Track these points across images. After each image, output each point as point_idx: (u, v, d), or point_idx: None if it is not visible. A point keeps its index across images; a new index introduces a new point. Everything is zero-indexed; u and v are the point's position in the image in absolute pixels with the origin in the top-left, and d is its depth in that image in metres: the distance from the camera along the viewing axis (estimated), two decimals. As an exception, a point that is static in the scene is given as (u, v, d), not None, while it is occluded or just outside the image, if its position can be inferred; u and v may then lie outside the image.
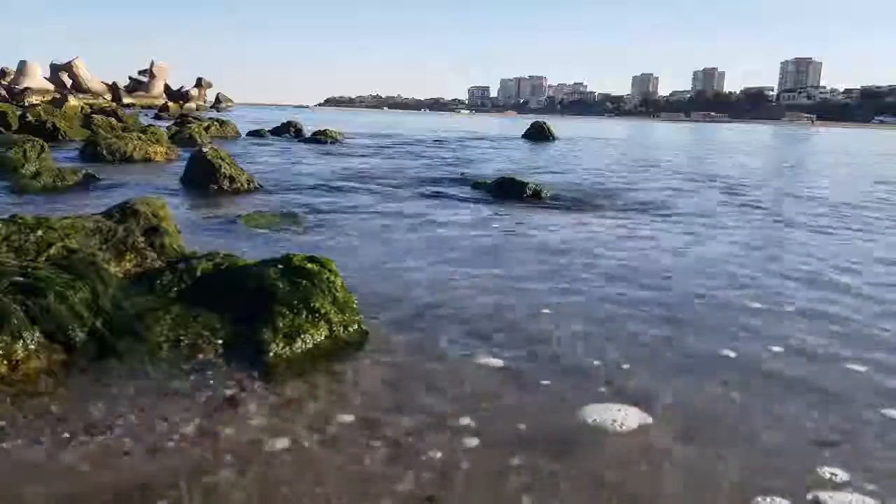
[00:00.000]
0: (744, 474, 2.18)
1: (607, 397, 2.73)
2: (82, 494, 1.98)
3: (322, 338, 3.16)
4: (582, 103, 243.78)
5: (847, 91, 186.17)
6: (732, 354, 3.29)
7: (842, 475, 2.18)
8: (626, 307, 4.03)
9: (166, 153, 12.25)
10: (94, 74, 60.62)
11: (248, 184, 8.63)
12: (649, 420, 2.53)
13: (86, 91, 55.38)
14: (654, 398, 2.72)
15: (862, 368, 3.15)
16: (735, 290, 4.52)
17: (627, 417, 2.54)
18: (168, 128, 16.50)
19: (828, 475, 2.18)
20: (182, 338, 3.09)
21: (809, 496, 2.08)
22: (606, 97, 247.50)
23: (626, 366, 3.09)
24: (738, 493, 2.08)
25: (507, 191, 8.92)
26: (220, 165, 8.43)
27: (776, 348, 3.39)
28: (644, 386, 2.86)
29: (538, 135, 25.85)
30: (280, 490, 2.03)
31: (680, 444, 2.37)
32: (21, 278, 3.17)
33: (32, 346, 2.83)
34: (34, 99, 42.31)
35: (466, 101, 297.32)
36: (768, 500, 2.03)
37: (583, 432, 2.45)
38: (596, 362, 3.12)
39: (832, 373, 3.11)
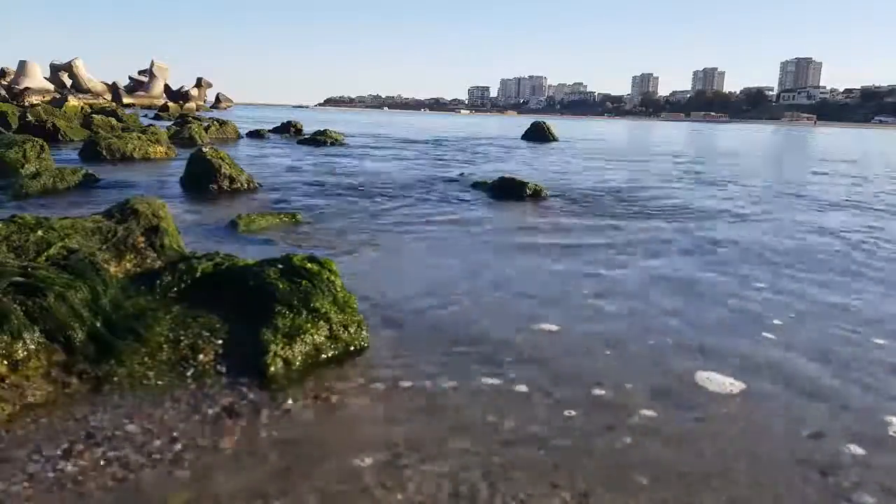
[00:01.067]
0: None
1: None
2: (82, 497, 1.99)
3: (322, 338, 3.16)
4: (582, 103, 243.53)
5: (847, 91, 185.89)
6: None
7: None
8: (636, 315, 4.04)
9: (166, 153, 12.26)
10: (94, 74, 60.69)
11: (248, 184, 8.63)
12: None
13: (86, 91, 55.37)
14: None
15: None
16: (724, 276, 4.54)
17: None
18: (168, 128, 16.50)
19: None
20: (182, 338, 3.09)
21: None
22: (606, 97, 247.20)
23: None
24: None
25: (507, 191, 8.92)
26: (220, 165, 8.43)
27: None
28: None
29: (538, 136, 25.77)
30: (280, 492, 2.04)
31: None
32: (21, 278, 3.17)
33: (32, 347, 2.83)
34: (34, 99, 42.27)
35: (466, 101, 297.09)
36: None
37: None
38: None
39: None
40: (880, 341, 3.55)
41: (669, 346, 3.38)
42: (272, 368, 2.90)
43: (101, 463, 2.13)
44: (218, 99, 70.52)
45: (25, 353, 2.79)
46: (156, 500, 1.97)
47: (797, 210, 8.85)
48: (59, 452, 2.17)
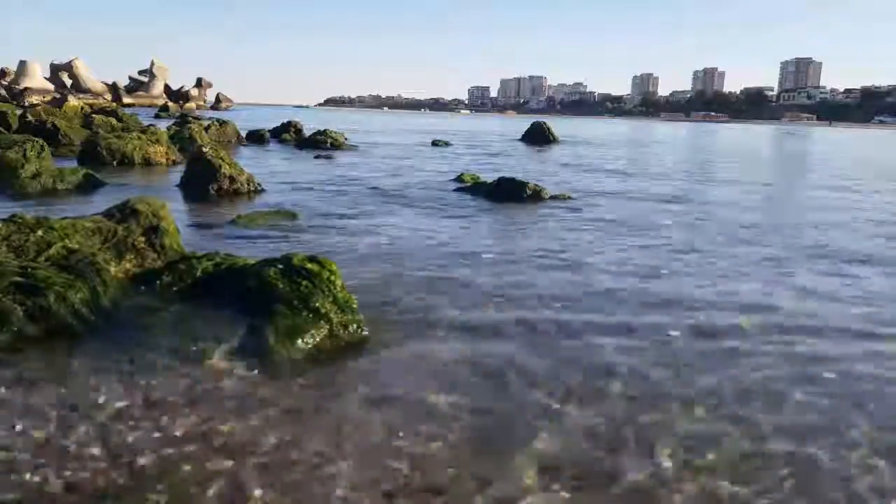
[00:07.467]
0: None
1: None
2: (82, 488, 1.99)
3: (322, 337, 3.16)
4: (582, 103, 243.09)
5: (847, 91, 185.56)
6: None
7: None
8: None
9: (166, 153, 12.25)
10: (94, 74, 60.79)
11: (248, 184, 8.63)
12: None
13: (86, 91, 55.45)
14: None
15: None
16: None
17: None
18: (168, 128, 16.48)
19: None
20: (182, 337, 3.09)
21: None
22: (606, 97, 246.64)
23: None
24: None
25: (506, 191, 8.90)
26: (221, 165, 8.43)
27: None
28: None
29: (538, 137, 25.62)
30: (276, 484, 2.04)
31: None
32: (21, 278, 3.17)
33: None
34: (34, 99, 42.37)
35: (466, 101, 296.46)
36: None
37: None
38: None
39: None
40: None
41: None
42: (273, 368, 2.89)
43: (101, 451, 2.14)
44: (218, 99, 70.63)
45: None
46: (154, 491, 1.97)
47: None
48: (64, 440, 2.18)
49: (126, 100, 56.71)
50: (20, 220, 3.90)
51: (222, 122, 18.41)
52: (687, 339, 3.51)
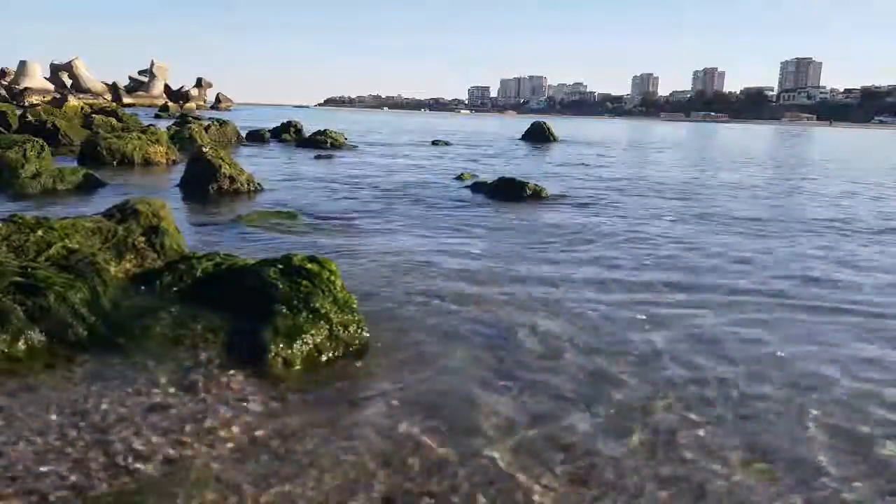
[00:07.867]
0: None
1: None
2: (84, 487, 1.99)
3: (322, 338, 3.16)
4: (582, 103, 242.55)
5: (847, 91, 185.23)
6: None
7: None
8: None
9: (166, 153, 12.24)
10: (94, 74, 60.83)
11: (249, 184, 8.62)
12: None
13: (86, 91, 55.45)
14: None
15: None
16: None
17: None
18: (168, 128, 16.47)
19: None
20: (182, 337, 3.09)
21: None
22: (606, 97, 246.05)
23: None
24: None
25: (506, 191, 8.90)
26: (221, 165, 8.43)
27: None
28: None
29: (538, 136, 25.61)
30: (277, 484, 2.04)
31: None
32: (21, 278, 3.17)
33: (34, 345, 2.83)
34: (34, 99, 42.40)
35: (466, 101, 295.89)
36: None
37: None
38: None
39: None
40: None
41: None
42: (272, 368, 2.89)
43: (101, 452, 2.13)
44: (218, 99, 70.66)
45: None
46: (155, 490, 1.97)
47: None
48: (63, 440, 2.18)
49: (126, 100, 56.71)
50: (20, 220, 3.90)
51: (222, 122, 18.39)
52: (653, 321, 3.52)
